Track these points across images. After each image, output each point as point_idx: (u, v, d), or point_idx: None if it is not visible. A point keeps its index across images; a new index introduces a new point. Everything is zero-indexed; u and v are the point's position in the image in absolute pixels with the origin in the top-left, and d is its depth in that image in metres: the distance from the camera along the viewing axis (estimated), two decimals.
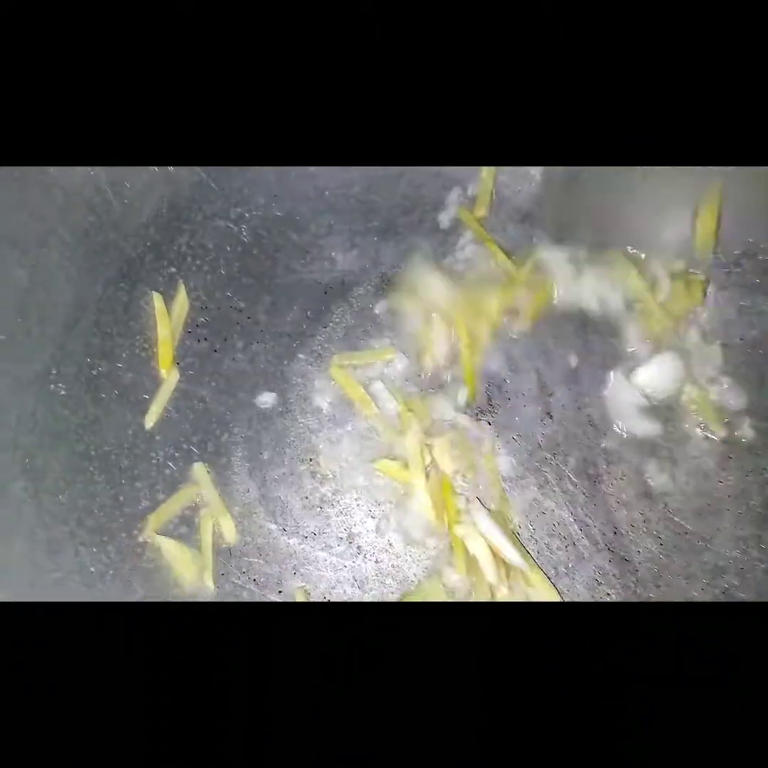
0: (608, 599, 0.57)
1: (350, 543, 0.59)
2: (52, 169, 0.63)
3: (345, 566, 0.58)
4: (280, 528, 0.59)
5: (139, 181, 0.65)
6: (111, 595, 0.58)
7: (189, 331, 0.64)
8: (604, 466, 0.60)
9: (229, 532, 0.59)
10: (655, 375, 0.61)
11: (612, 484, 0.59)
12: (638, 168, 0.63)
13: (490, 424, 0.61)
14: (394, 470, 0.59)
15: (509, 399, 0.61)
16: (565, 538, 0.58)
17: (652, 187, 0.63)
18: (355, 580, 0.58)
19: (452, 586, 0.57)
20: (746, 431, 0.60)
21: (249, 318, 0.64)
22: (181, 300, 0.64)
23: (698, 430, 0.60)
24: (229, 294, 0.64)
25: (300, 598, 0.57)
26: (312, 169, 0.66)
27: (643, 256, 0.63)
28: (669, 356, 0.61)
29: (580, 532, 0.58)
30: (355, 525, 0.59)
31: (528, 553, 0.58)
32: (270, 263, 0.65)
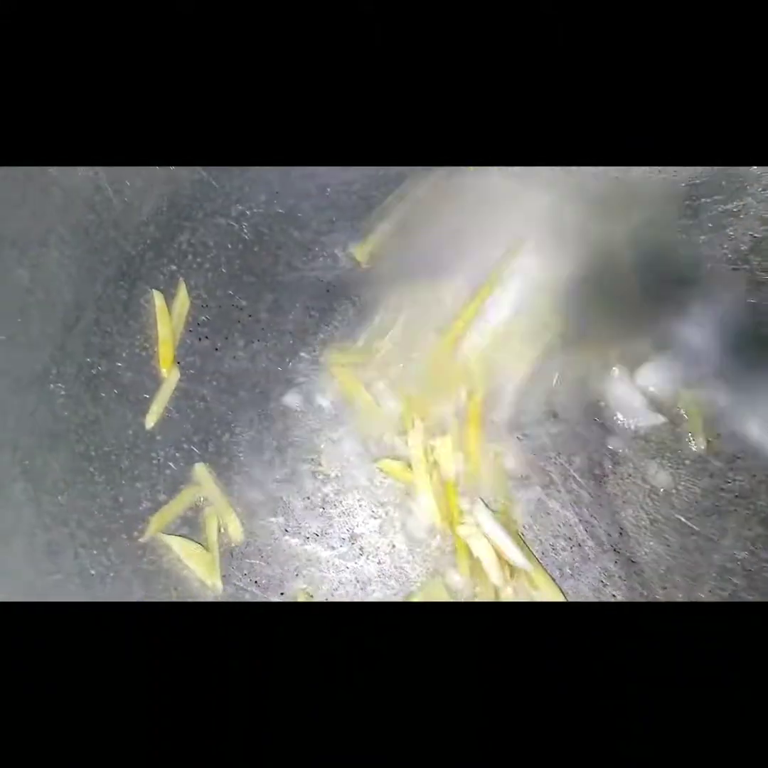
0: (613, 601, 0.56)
1: (353, 544, 0.59)
2: (52, 169, 0.63)
3: (347, 567, 0.58)
4: (282, 529, 0.59)
5: (139, 178, 0.64)
6: (111, 598, 0.57)
7: (190, 330, 0.63)
8: (610, 466, 0.59)
9: (235, 531, 0.59)
10: (661, 373, 0.60)
11: (617, 484, 0.59)
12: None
13: (493, 422, 0.60)
14: (397, 470, 0.59)
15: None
16: (570, 538, 0.58)
17: None
18: (358, 582, 0.58)
19: (456, 588, 0.57)
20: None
21: (250, 316, 0.63)
22: (182, 298, 0.63)
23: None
24: (230, 292, 0.64)
25: (302, 600, 0.57)
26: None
27: None
28: (674, 354, 0.60)
29: (585, 532, 0.58)
30: (357, 526, 0.59)
31: (532, 554, 0.57)
32: (271, 261, 0.64)
